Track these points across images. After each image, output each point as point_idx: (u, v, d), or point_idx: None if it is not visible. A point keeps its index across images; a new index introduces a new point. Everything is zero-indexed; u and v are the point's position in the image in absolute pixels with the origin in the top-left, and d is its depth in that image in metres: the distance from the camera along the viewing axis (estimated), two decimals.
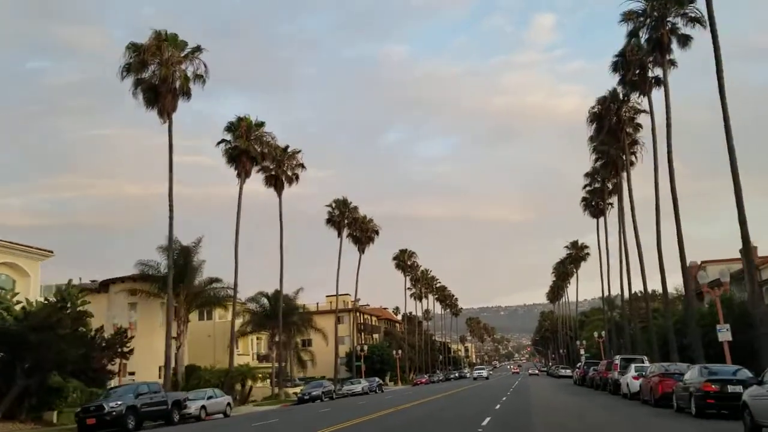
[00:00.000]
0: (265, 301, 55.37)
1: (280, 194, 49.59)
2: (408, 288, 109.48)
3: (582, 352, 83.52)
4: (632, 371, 27.76)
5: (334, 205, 65.41)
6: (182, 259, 43.15)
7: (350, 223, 66.23)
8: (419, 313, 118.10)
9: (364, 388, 57.49)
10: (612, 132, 41.99)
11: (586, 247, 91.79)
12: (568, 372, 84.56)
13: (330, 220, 65.22)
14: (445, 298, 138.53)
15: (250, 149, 41.93)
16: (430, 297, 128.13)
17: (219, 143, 42.88)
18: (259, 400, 49.06)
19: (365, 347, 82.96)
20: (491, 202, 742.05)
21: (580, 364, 60.14)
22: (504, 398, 33.04)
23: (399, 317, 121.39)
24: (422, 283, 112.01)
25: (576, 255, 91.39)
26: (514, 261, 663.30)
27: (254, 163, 43.17)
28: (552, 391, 41.98)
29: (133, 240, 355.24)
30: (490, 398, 33.89)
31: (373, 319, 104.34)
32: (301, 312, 77.19)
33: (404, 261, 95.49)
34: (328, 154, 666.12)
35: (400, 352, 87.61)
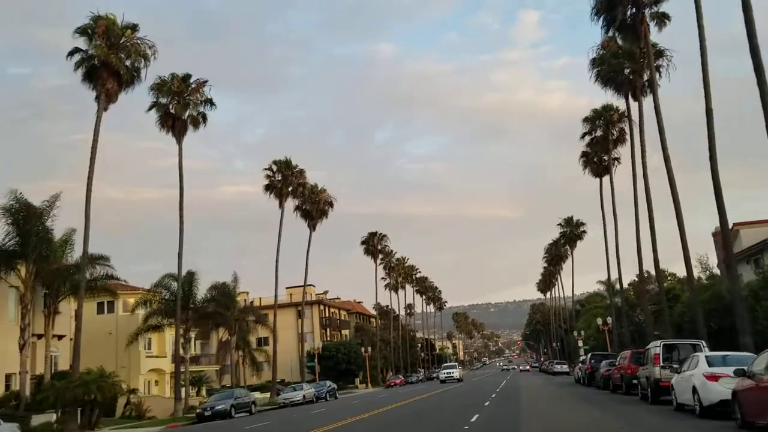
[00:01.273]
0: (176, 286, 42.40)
1: (180, 141, 36.79)
2: (382, 278, 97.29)
3: (580, 344, 71.73)
4: (702, 366, 15.51)
5: (275, 168, 52.53)
6: (27, 222, 30.44)
7: (295, 191, 53.39)
8: (398, 308, 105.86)
9: (308, 396, 45.03)
10: (629, 28, 29.65)
11: (582, 224, 79.98)
12: (565, 368, 72.68)
13: (270, 186, 52.35)
14: (427, 289, 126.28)
15: (111, 60, 29.04)
16: (409, 288, 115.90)
17: (70, 54, 30.06)
18: (167, 416, 36.73)
19: (320, 345, 70.39)
20: (481, 199, 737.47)
21: (583, 357, 48.00)
22: (483, 409, 21.07)
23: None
24: (397, 271, 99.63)
25: (571, 233, 79.49)
26: (504, 258, 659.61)
27: (121, 83, 30.35)
28: (552, 397, 29.74)
29: None
30: (462, 409, 21.87)
31: (342, 313, 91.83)
32: (247, 305, 64.86)
33: (374, 245, 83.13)
34: (318, 154, 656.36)
35: (369, 349, 75.17)
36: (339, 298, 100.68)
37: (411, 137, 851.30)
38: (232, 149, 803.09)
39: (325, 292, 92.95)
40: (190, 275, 42.45)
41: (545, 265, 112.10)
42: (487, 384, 51.09)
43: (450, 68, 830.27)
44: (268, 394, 53.35)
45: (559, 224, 80.00)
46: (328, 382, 53.24)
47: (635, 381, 23.55)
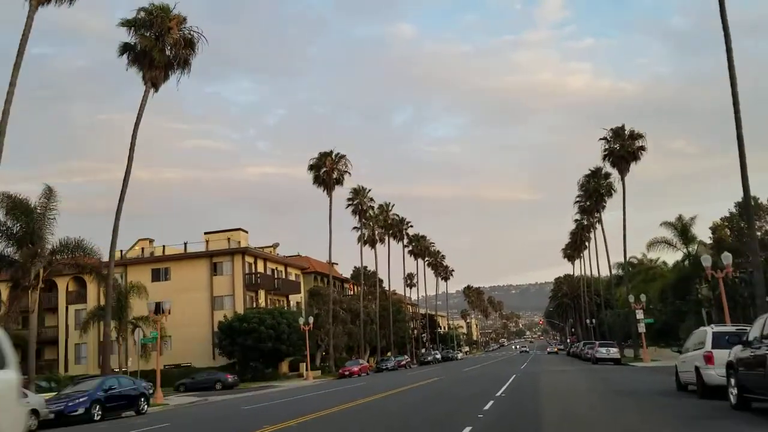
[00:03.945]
0: None
1: None
2: (354, 228, 71.16)
3: (639, 315, 45.26)
4: None
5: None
6: None
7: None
8: (388, 272, 79.55)
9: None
10: None
11: (640, 136, 52.06)
12: (614, 352, 46.32)
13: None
14: (424, 251, 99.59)
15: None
16: (412, 259, 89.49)
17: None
18: None
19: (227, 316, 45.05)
20: (501, 181, 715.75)
21: (738, 333, 19.54)
22: None
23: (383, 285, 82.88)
24: (376, 220, 73.34)
25: (621, 151, 51.74)
26: (525, 240, 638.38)
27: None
28: None
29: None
30: None
31: (293, 272, 65.87)
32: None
33: (328, 171, 56.67)
34: (336, 135, 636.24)
35: (310, 322, 49.32)
36: (299, 255, 74.91)
37: (429, 119, 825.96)
38: (253, 131, 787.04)
39: (274, 245, 67.13)
40: None
41: (577, 216, 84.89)
42: (490, 378, 24.97)
43: (470, 49, 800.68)
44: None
45: (604, 138, 52.63)
46: (134, 381, 27.49)
47: None
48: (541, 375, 31.87)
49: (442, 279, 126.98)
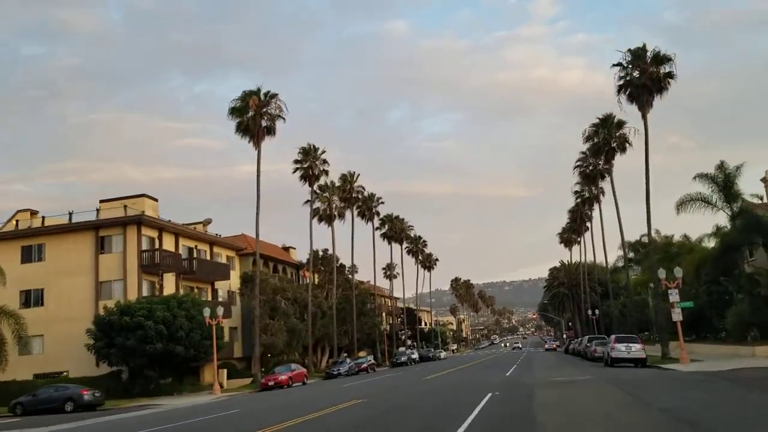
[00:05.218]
0: None
1: None
2: (306, 201, 57.61)
3: (673, 297, 32.15)
4: None
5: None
6: None
7: None
8: (354, 254, 66.07)
9: None
10: None
11: (667, 59, 38.77)
12: (637, 350, 33.21)
13: None
14: (400, 234, 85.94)
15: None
16: (393, 245, 75.93)
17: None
18: None
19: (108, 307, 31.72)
20: (496, 178, 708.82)
21: None
22: None
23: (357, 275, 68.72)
24: (332, 190, 59.88)
25: (647, 76, 38.25)
26: (519, 236, 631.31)
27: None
28: None
29: None
30: None
31: (225, 253, 52.34)
32: None
33: (257, 116, 42.85)
34: (331, 133, 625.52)
35: (219, 315, 35.84)
36: (248, 235, 61.35)
37: (424, 116, 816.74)
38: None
39: (205, 222, 53.57)
40: None
41: (576, 188, 71.78)
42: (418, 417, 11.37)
43: (464, 45, 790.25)
44: None
45: (619, 64, 39.15)
46: None
47: None
48: (535, 392, 18.53)
49: (424, 269, 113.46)
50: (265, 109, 42.94)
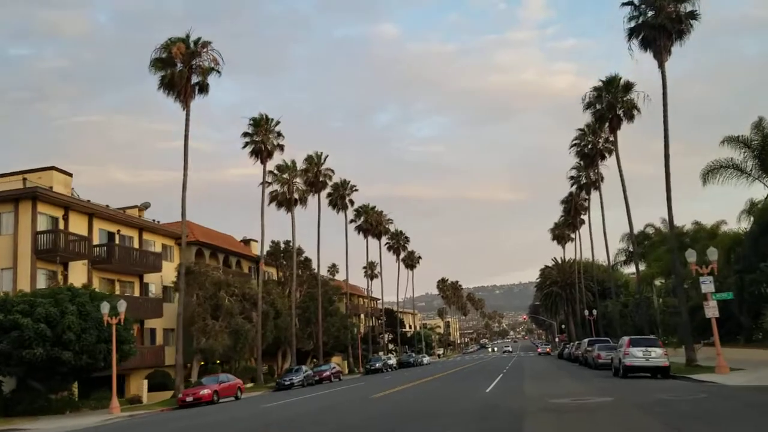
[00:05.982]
0: None
1: None
2: (261, 184, 49.53)
3: (706, 287, 24.43)
4: None
5: None
6: None
7: None
8: (324, 247, 57.94)
9: None
10: None
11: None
12: (658, 356, 25.46)
13: None
14: (377, 227, 77.86)
15: None
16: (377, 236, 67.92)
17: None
18: None
19: None
20: (485, 181, 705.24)
21: None
22: None
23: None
24: (293, 172, 51.90)
25: (665, 16, 30.66)
26: (509, 240, 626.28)
27: None
28: None
29: None
30: None
31: (160, 241, 44.23)
32: None
33: (185, 72, 34.89)
34: (321, 135, 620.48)
35: (120, 313, 27.70)
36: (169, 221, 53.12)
37: (413, 119, 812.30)
38: (236, 131, 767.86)
39: (142, 206, 45.38)
40: None
41: (572, 173, 64.19)
42: None
43: (454, 49, 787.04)
44: None
45: (629, 2, 31.53)
46: None
47: None
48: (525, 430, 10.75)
49: (407, 267, 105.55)
50: (195, 61, 34.93)
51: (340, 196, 67.74)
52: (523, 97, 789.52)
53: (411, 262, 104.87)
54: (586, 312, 66.72)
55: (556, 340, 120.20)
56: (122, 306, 28.23)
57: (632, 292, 73.99)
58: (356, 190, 68.92)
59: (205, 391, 29.15)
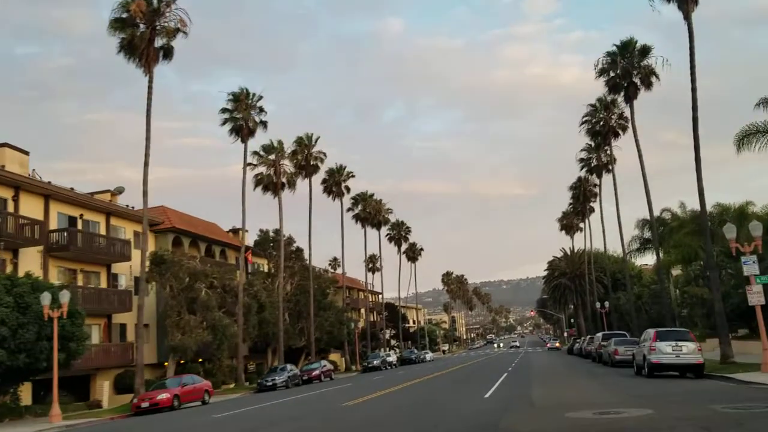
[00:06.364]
0: None
1: None
2: (247, 165, 45.55)
3: (750, 267, 20.27)
4: None
5: None
6: None
7: None
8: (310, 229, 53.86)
9: None
10: None
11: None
12: (690, 352, 21.29)
13: None
14: (372, 216, 73.65)
15: None
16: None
17: None
18: None
19: None
20: (493, 176, 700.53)
21: None
22: None
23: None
24: (280, 154, 47.81)
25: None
26: (517, 235, 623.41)
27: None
28: None
29: None
30: None
31: (131, 228, 40.32)
32: None
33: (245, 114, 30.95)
34: (328, 131, 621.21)
35: (62, 303, 23.73)
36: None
37: (421, 115, 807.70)
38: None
39: (117, 192, 41.48)
40: None
41: (582, 155, 59.90)
42: None
43: (460, 44, 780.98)
44: None
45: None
46: None
47: None
48: None
49: (409, 260, 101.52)
50: (158, 22, 30.93)
51: (335, 183, 63.78)
52: (530, 91, 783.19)
53: (413, 254, 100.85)
54: (598, 304, 62.52)
55: (565, 334, 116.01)
56: (65, 297, 24.34)
57: (646, 283, 69.77)
58: (353, 176, 64.97)
59: (163, 396, 25.29)
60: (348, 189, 64.92)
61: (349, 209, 71.73)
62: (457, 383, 25.76)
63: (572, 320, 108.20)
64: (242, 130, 41.71)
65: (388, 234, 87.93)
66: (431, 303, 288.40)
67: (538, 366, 37.17)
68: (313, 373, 42.07)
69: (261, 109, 42.22)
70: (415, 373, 40.13)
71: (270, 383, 35.93)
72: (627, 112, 40.26)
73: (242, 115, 41.46)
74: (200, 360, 39.83)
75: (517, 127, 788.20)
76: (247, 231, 59.33)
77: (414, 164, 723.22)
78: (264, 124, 42.58)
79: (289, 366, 38.99)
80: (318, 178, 59.45)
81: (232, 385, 38.55)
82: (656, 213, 57.93)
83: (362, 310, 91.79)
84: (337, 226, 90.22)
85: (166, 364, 39.00)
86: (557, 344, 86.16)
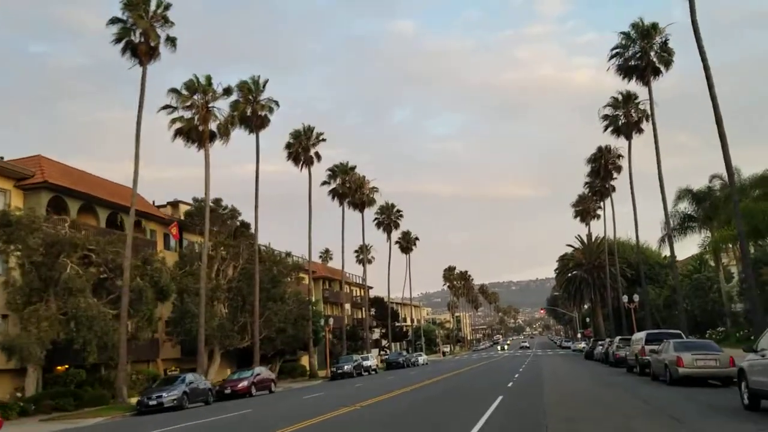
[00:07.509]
0: None
1: None
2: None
3: None
4: None
5: None
6: None
7: None
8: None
9: None
10: None
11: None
12: None
13: None
14: (352, 191, 61.53)
15: None
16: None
17: None
18: None
19: None
20: (503, 178, 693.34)
21: None
22: None
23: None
24: (209, 92, 35.83)
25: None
26: (526, 237, 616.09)
27: None
28: None
29: None
30: None
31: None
32: None
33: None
34: (337, 132, 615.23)
35: None
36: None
37: (430, 116, 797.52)
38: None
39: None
40: None
41: (607, 125, 47.70)
42: None
43: (471, 45, 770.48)
44: None
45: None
46: None
47: None
48: None
49: (402, 251, 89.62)
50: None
51: (302, 148, 52.06)
52: (542, 93, 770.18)
53: (407, 243, 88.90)
54: (625, 298, 50.24)
55: (579, 336, 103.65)
56: None
57: (684, 273, 57.66)
58: (324, 140, 53.22)
59: None
60: (318, 156, 53.12)
61: (324, 183, 60.06)
62: (432, 406, 13.86)
63: (587, 319, 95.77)
64: (139, 48, 29.83)
65: (375, 218, 76.10)
66: (439, 303, 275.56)
67: (553, 379, 25.25)
68: (239, 386, 30.30)
69: (166, 20, 30.31)
70: (386, 385, 28.49)
71: (154, 402, 24.16)
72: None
73: (139, 24, 29.59)
74: (66, 366, 28.18)
75: (528, 129, 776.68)
76: (188, 204, 47.78)
77: (423, 165, 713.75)
78: (173, 41, 30.76)
79: (189, 377, 27.06)
80: (278, 139, 47.71)
81: (105, 406, 26.59)
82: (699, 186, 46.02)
83: (347, 306, 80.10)
84: (323, 215, 78.42)
85: (26, 369, 27.30)
86: (581, 346, 70.19)
